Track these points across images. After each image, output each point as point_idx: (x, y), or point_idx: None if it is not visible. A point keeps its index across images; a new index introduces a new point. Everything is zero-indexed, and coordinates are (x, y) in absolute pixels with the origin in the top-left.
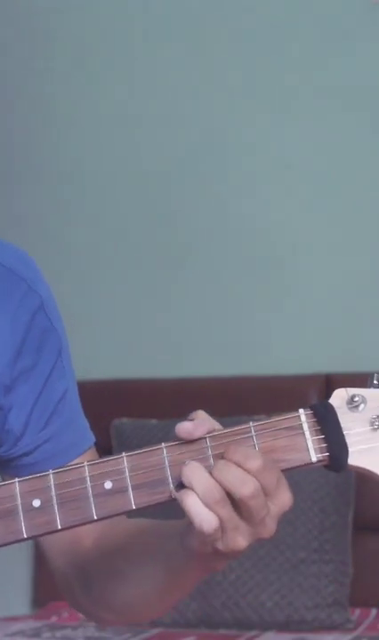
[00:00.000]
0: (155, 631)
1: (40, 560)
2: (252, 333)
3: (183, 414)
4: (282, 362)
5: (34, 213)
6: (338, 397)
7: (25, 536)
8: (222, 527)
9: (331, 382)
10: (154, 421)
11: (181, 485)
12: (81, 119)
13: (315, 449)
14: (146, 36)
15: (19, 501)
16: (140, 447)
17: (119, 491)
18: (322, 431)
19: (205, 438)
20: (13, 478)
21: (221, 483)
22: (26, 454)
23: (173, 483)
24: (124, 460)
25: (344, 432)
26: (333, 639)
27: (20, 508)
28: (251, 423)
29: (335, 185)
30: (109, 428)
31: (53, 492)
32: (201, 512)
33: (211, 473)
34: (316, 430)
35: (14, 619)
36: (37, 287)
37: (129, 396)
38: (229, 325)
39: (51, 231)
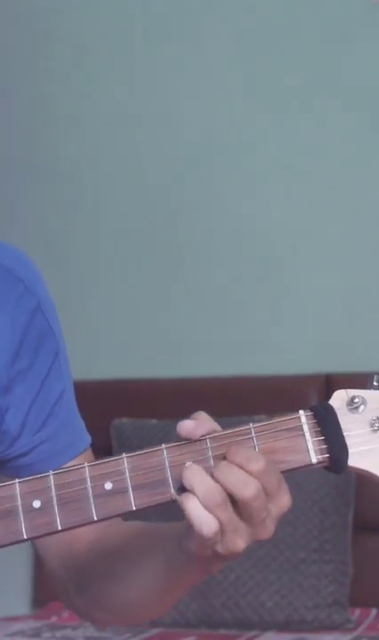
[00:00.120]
0: (155, 631)
1: (40, 560)
2: (252, 333)
3: (183, 414)
4: (282, 362)
5: (34, 213)
6: (338, 399)
7: (25, 537)
8: (222, 530)
9: (331, 382)
10: (154, 421)
11: (181, 488)
12: (81, 119)
13: (315, 450)
14: (146, 36)
15: (19, 502)
16: (140, 447)
17: (120, 491)
18: (322, 432)
19: (206, 439)
20: (9, 479)
21: (223, 484)
22: (22, 455)
23: (173, 485)
24: (125, 461)
25: (344, 433)
26: (333, 639)
27: (21, 508)
28: (251, 424)
29: (335, 185)
30: (109, 428)
31: (54, 493)
32: (201, 515)
33: (212, 474)
34: (316, 432)
35: (14, 619)
36: (35, 288)
37: (129, 396)
38: (229, 325)
39: (51, 231)
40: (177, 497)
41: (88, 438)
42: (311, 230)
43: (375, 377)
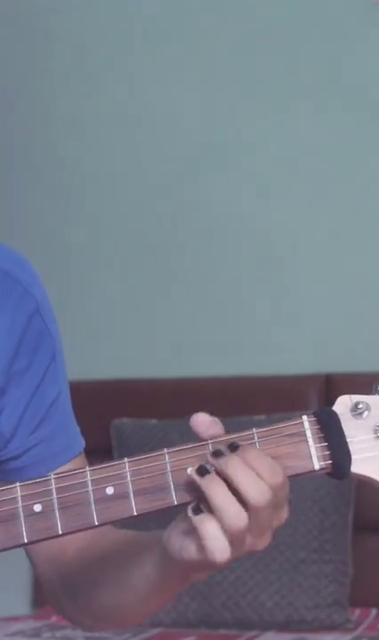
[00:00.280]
0: (155, 631)
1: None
2: (252, 333)
3: (183, 414)
4: (282, 362)
5: (34, 213)
6: (342, 404)
7: (25, 541)
8: (231, 550)
9: (331, 382)
10: (154, 421)
11: (197, 508)
12: (81, 119)
13: (318, 456)
14: (146, 36)
15: (20, 505)
16: (140, 447)
17: (121, 496)
18: (325, 438)
19: (208, 444)
20: (0, 482)
21: (241, 491)
22: (14, 458)
23: (177, 489)
24: (126, 465)
25: (348, 440)
26: (333, 639)
27: (21, 512)
28: (254, 429)
29: (335, 185)
30: (109, 428)
31: (54, 497)
32: (219, 542)
33: (226, 477)
34: (319, 438)
35: (14, 619)
36: (33, 290)
37: (129, 396)
38: (229, 325)
39: (51, 231)
40: (193, 517)
41: (82, 442)
42: (311, 230)
43: None
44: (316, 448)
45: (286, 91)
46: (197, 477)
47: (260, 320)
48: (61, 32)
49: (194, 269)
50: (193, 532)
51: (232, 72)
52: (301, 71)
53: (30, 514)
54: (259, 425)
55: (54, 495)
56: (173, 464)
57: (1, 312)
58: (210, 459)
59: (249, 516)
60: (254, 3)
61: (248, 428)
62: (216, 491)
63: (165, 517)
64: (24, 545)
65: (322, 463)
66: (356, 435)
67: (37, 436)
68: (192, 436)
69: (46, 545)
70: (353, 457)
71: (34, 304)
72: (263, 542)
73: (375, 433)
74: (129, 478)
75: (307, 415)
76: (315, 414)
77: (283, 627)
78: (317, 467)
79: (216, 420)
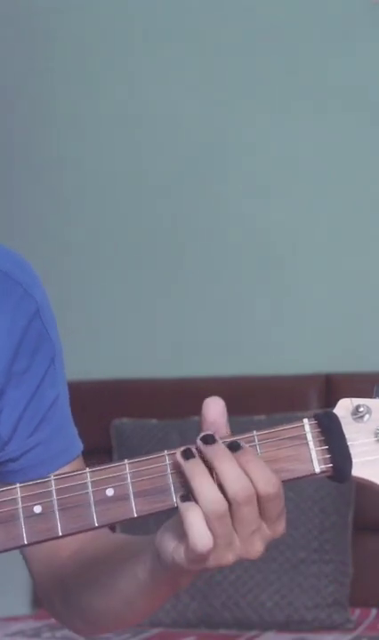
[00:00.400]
0: (155, 631)
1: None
2: (252, 333)
3: (183, 414)
4: (282, 362)
5: (34, 213)
6: (342, 407)
7: (25, 542)
8: (215, 543)
9: (331, 382)
10: (154, 421)
11: (185, 496)
12: (81, 119)
13: (318, 460)
14: (146, 36)
15: (20, 506)
16: (140, 447)
17: (121, 498)
18: (326, 442)
19: None
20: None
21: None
22: (12, 460)
23: (175, 489)
24: (126, 467)
25: (349, 443)
26: (333, 639)
27: (21, 513)
28: (254, 432)
29: (335, 185)
30: (109, 428)
31: (54, 498)
32: (201, 529)
33: (212, 464)
34: (320, 441)
35: (14, 619)
36: (33, 292)
37: (129, 396)
38: (229, 325)
39: (51, 231)
40: (180, 504)
41: (80, 445)
42: (311, 230)
43: None
44: (316, 451)
45: (286, 91)
46: (181, 460)
47: (260, 320)
48: (61, 32)
49: (194, 269)
50: (185, 537)
51: (232, 72)
52: (301, 71)
53: (30, 515)
54: (259, 425)
55: (54, 496)
56: (173, 465)
57: (1, 313)
58: (198, 443)
59: (231, 510)
60: (253, 3)
61: (248, 428)
62: (196, 473)
63: (165, 518)
64: (24, 546)
65: (323, 466)
66: (357, 438)
67: (36, 439)
68: (192, 436)
69: (40, 547)
70: (354, 460)
71: (34, 306)
72: (255, 549)
73: (376, 436)
74: (129, 480)
75: (308, 418)
76: (316, 417)
77: (283, 627)
78: (317, 470)
79: (226, 422)
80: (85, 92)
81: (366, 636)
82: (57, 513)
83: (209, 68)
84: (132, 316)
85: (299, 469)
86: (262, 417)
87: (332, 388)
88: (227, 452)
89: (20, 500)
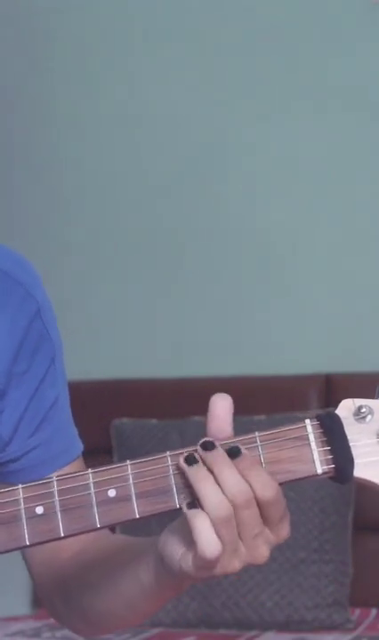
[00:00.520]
0: (155, 631)
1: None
2: (252, 333)
3: (183, 414)
4: (282, 362)
5: (34, 213)
6: (345, 408)
7: (27, 543)
8: (223, 550)
9: (331, 382)
10: (154, 421)
11: (191, 503)
12: (81, 119)
13: (321, 461)
14: (146, 36)
15: (22, 507)
16: (140, 447)
17: (123, 499)
18: (328, 442)
19: None
20: (1, 485)
21: (221, 484)
22: (13, 460)
23: (179, 494)
24: (129, 468)
25: (350, 444)
26: (333, 639)
27: (23, 514)
28: (256, 433)
29: (335, 185)
30: (109, 428)
31: (56, 499)
32: (209, 535)
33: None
34: (322, 442)
35: (14, 619)
36: (34, 292)
37: (129, 396)
38: (229, 325)
39: (51, 231)
40: (187, 512)
41: (80, 446)
42: (311, 230)
43: None
44: (319, 452)
45: (286, 91)
46: (184, 466)
47: (260, 320)
48: (61, 32)
49: (194, 269)
50: (193, 544)
51: (232, 72)
52: (301, 71)
53: (32, 516)
54: (259, 425)
55: (56, 497)
56: (175, 467)
57: (2, 313)
58: (199, 449)
59: (234, 513)
60: (253, 3)
61: (248, 428)
62: (200, 478)
63: (167, 519)
64: (26, 547)
65: (325, 467)
66: (359, 439)
67: (36, 439)
68: (192, 436)
69: (42, 548)
70: (356, 461)
71: (35, 306)
72: (260, 554)
73: (378, 437)
74: (131, 481)
75: (310, 419)
76: (318, 418)
77: (283, 627)
78: (319, 471)
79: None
80: (85, 92)
81: (366, 636)
82: (59, 514)
83: (209, 68)
84: (132, 316)
85: (301, 470)
86: (262, 417)
87: (332, 388)
88: (226, 458)
89: (22, 500)
